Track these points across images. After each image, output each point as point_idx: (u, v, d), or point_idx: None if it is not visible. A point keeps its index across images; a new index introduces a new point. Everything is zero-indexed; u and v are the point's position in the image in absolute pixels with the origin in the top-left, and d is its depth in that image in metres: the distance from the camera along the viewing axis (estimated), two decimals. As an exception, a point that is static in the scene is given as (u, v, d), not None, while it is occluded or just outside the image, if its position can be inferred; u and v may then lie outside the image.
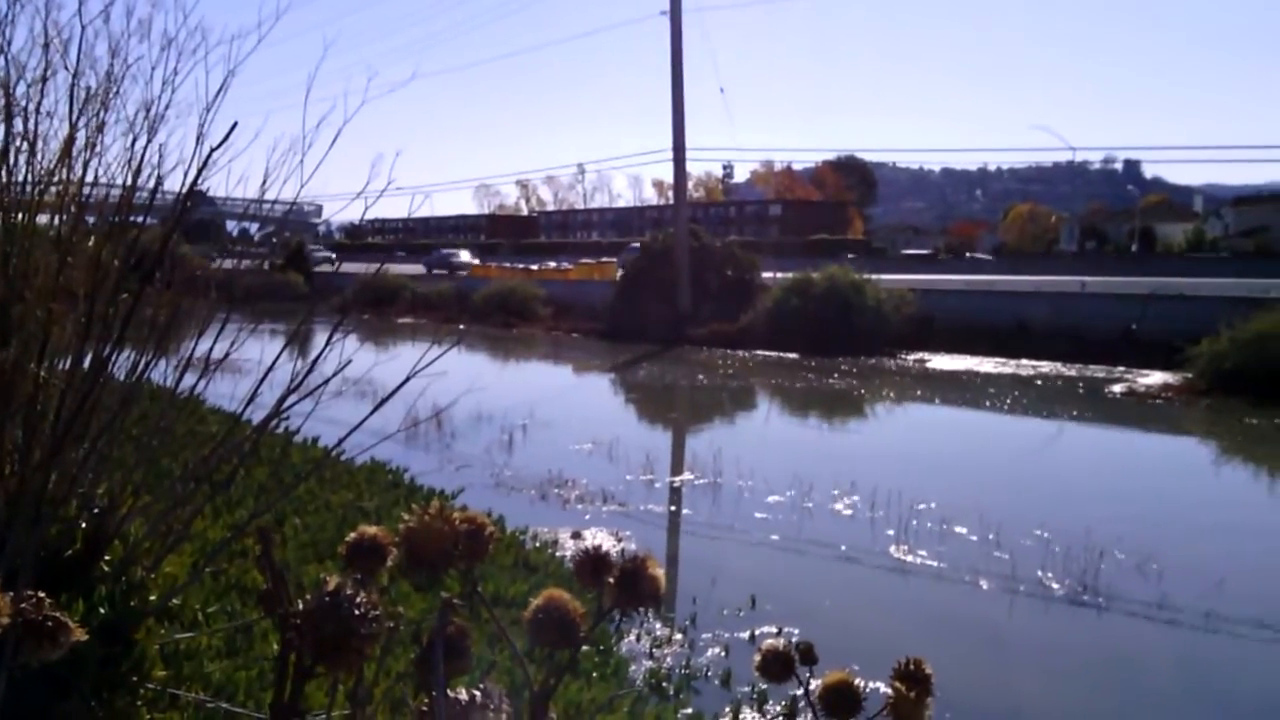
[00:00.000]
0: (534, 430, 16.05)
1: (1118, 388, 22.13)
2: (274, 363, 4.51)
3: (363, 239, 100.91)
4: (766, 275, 34.17)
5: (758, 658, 2.25)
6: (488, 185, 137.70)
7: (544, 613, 1.94)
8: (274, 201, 4.79)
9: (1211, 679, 7.27)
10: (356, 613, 1.35)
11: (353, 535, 1.88)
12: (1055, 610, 8.47)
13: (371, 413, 4.00)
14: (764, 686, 6.04)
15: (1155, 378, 22.75)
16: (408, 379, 3.93)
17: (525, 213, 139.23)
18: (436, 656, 1.40)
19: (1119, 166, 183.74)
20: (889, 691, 2.03)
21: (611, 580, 2.03)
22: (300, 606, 1.45)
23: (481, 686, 1.47)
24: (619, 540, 9.85)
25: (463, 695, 1.45)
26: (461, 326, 36.99)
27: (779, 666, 2.25)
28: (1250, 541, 10.92)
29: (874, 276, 31.57)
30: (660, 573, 2.07)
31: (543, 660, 2.01)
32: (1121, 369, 24.43)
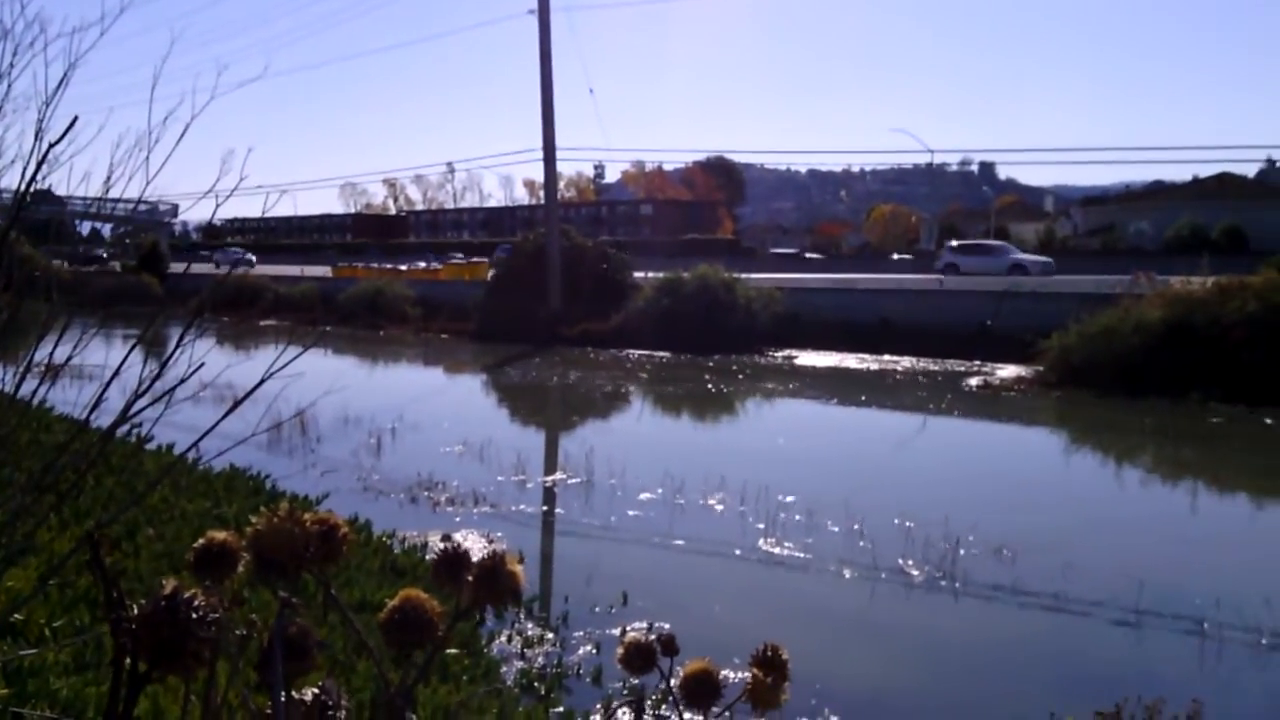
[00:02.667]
0: (403, 433, 15.81)
1: (974, 381, 22.99)
2: (120, 365, 4.32)
3: (220, 239, 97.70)
4: (638, 275, 34.41)
5: (620, 651, 2.27)
6: (354, 184, 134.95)
7: (400, 613, 1.91)
8: (118, 200, 4.58)
9: (1060, 657, 7.61)
10: (194, 615, 1.31)
11: (200, 541, 1.82)
12: (915, 596, 8.76)
13: (225, 415, 3.86)
14: (635, 682, 6.08)
15: (1009, 371, 23.71)
16: (264, 379, 3.81)
17: (393, 212, 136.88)
18: (275, 656, 1.37)
19: (975, 168, 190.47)
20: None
21: (471, 578, 2.02)
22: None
23: (321, 684, 1.44)
24: (490, 541, 9.79)
25: (308, 695, 1.42)
26: (327, 329, 36.15)
27: (641, 658, 2.27)
28: (1095, 525, 11.48)
29: (743, 275, 32.10)
30: (520, 568, 2.06)
31: (402, 661, 1.98)
32: (978, 363, 25.38)
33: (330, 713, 1.41)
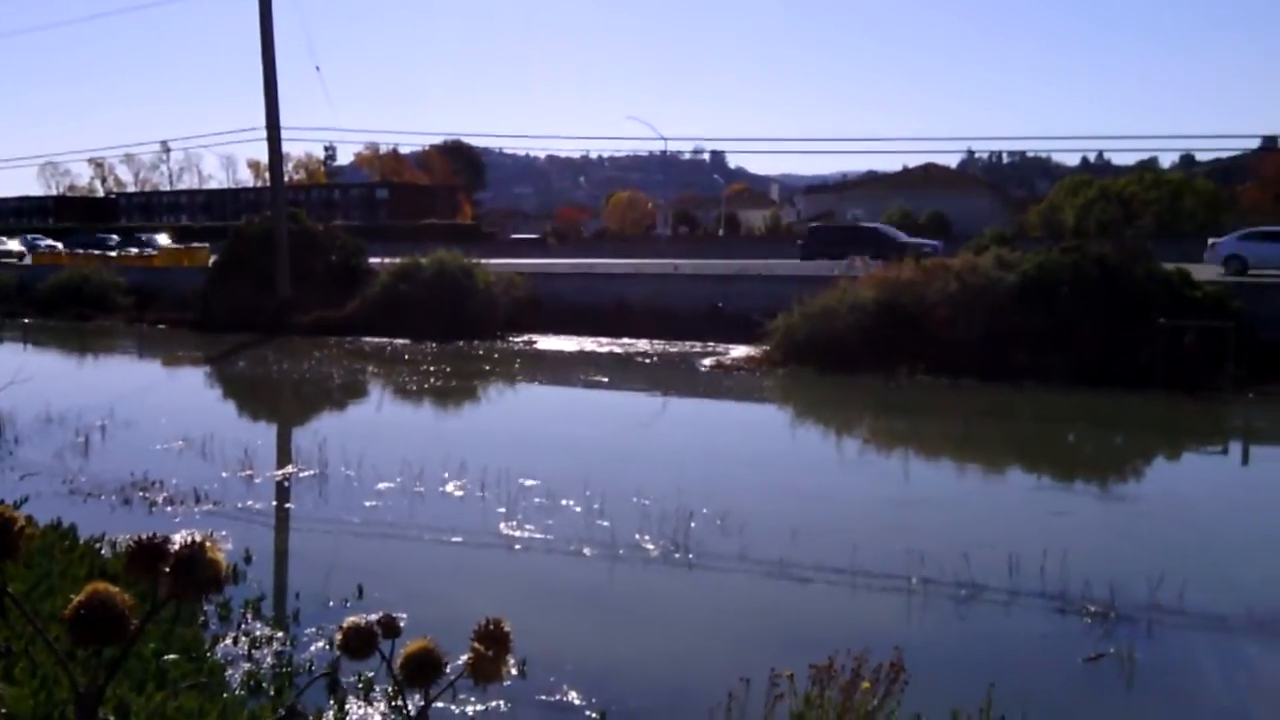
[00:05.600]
0: (114, 431, 14.71)
1: (707, 361, 23.86)
2: None
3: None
4: (374, 260, 33.44)
5: (338, 637, 2.19)
6: (55, 164, 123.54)
7: (87, 608, 1.78)
8: None
9: (784, 618, 8.05)
10: None
11: None
12: (651, 569, 9.02)
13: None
14: (370, 674, 5.94)
15: (739, 351, 24.73)
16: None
17: (101, 194, 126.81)
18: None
19: (706, 157, 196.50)
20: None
21: (168, 568, 1.90)
22: None
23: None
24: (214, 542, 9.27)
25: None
26: (26, 320, 33.17)
27: (360, 643, 2.21)
28: (816, 494, 12.22)
29: (483, 261, 31.86)
30: (221, 556, 1.96)
31: (88, 660, 1.85)
32: (711, 344, 26.30)
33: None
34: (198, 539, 1.94)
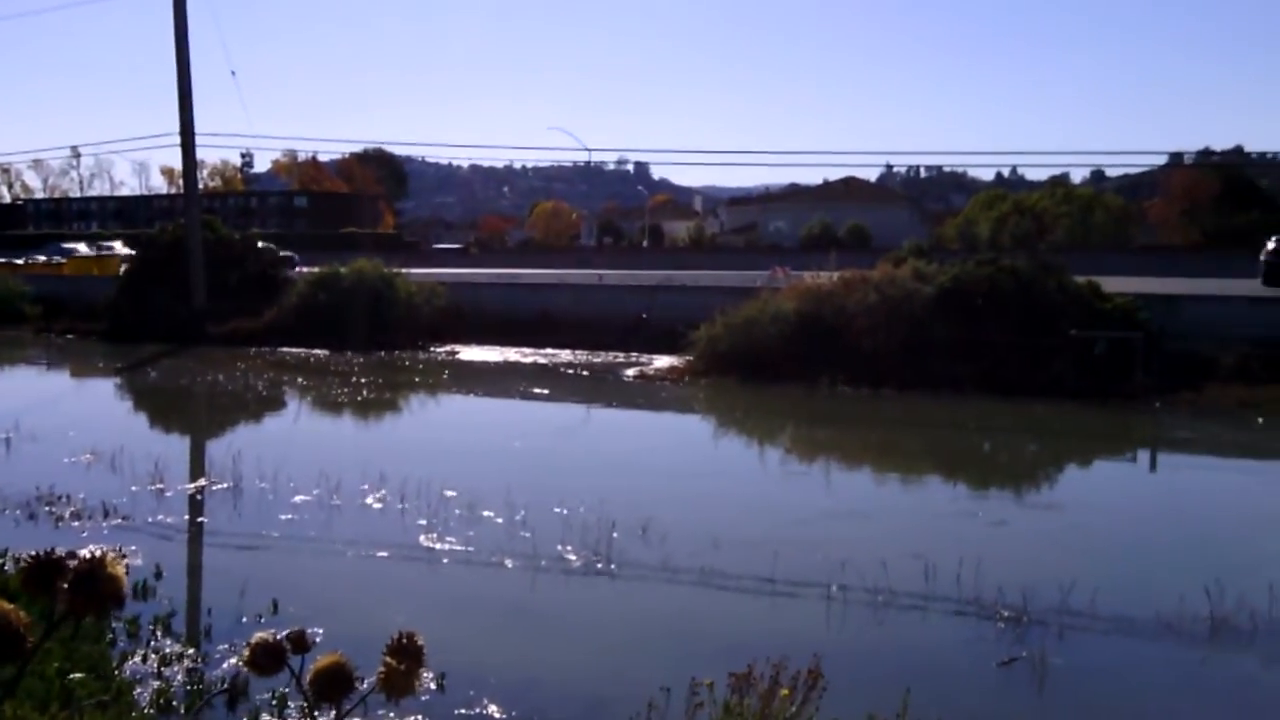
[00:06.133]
0: (19, 444, 14.24)
1: (631, 372, 23.87)
2: None
3: None
4: (293, 269, 32.93)
5: (246, 652, 2.14)
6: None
7: (-22, 626, 1.72)
8: None
9: (706, 628, 8.07)
10: None
11: None
12: (573, 580, 8.98)
13: None
14: (284, 690, 5.82)
15: (663, 361, 24.75)
16: None
17: (8, 201, 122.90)
18: None
19: (630, 168, 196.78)
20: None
21: (66, 584, 1.86)
22: None
23: None
24: (124, 557, 9.00)
25: None
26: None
27: (268, 658, 2.16)
28: (739, 502, 12.29)
29: (405, 270, 31.53)
30: (121, 570, 1.91)
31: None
32: (635, 354, 26.32)
33: None
34: (98, 554, 1.89)
